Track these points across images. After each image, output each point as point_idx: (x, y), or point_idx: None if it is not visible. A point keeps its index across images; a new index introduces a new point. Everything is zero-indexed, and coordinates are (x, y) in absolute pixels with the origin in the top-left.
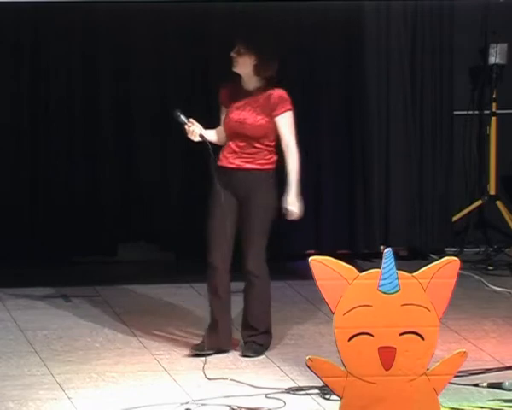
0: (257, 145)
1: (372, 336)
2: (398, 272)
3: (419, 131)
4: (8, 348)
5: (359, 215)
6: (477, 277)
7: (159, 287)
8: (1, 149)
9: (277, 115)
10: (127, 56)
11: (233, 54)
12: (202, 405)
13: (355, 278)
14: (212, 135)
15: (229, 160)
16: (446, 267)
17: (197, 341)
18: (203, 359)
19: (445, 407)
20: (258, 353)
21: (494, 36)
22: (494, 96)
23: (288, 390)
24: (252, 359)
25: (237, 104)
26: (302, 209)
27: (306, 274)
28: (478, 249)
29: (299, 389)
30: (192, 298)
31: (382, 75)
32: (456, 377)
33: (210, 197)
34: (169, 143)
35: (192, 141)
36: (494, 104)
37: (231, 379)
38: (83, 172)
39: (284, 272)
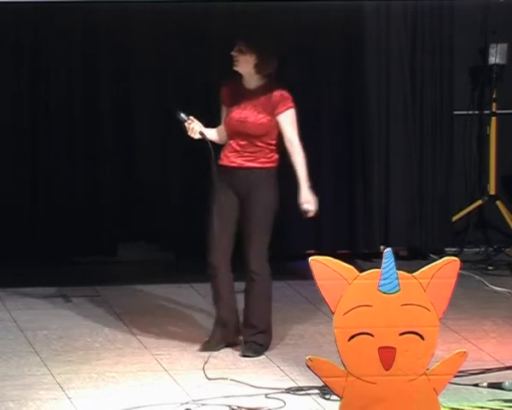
0: (258, 144)
1: (372, 336)
2: (398, 272)
3: (419, 131)
4: (8, 348)
5: (359, 215)
6: (477, 277)
7: (159, 287)
8: (1, 149)
9: (280, 113)
10: (127, 56)
11: (234, 53)
12: (202, 405)
13: (355, 278)
14: (212, 133)
15: (230, 159)
16: (446, 267)
17: (197, 341)
18: (203, 359)
19: (445, 407)
20: (258, 353)
21: (494, 36)
22: (494, 96)
23: (288, 390)
24: (252, 359)
25: (238, 103)
26: (317, 203)
27: (306, 274)
28: (478, 249)
29: (299, 389)
30: (192, 298)
31: (382, 75)
32: (456, 377)
33: (210, 197)
34: (169, 143)
35: (192, 140)
36: (494, 104)
37: (231, 379)
38: (83, 172)
39: (284, 272)
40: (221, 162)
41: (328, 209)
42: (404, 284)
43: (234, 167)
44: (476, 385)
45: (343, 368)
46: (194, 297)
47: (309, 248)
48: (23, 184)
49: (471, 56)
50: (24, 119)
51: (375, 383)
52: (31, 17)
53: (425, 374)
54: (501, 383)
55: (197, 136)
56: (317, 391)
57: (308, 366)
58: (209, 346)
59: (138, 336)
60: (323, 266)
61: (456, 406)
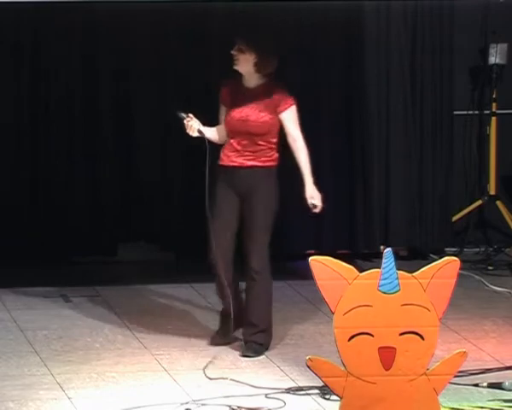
0: (260, 143)
1: (372, 336)
2: (398, 272)
3: (419, 132)
4: (8, 348)
5: (359, 215)
6: (477, 277)
7: (159, 287)
8: (1, 149)
9: (282, 111)
10: (127, 56)
11: (234, 52)
12: (202, 405)
13: (355, 278)
14: (211, 132)
15: (231, 158)
16: (446, 267)
17: (197, 341)
18: (203, 359)
19: (445, 407)
20: (258, 353)
21: (494, 36)
22: (494, 96)
23: (288, 390)
24: (252, 359)
25: (239, 102)
26: (322, 199)
27: (306, 274)
28: (478, 249)
29: (299, 389)
30: (192, 298)
31: (382, 75)
32: (456, 377)
33: (210, 196)
34: (169, 143)
35: (192, 140)
36: (494, 104)
37: (231, 379)
38: (83, 172)
39: (284, 272)
40: (221, 162)
41: (328, 209)
42: (404, 284)
43: (235, 167)
44: (476, 385)
45: (343, 368)
46: (194, 297)
47: (309, 248)
48: (23, 184)
49: (471, 56)
50: (24, 119)
51: (375, 383)
52: (31, 17)
53: (425, 374)
54: (501, 383)
55: (195, 134)
56: (317, 391)
57: (308, 366)
58: (217, 340)
59: (138, 336)
60: (323, 266)
61: (456, 406)
